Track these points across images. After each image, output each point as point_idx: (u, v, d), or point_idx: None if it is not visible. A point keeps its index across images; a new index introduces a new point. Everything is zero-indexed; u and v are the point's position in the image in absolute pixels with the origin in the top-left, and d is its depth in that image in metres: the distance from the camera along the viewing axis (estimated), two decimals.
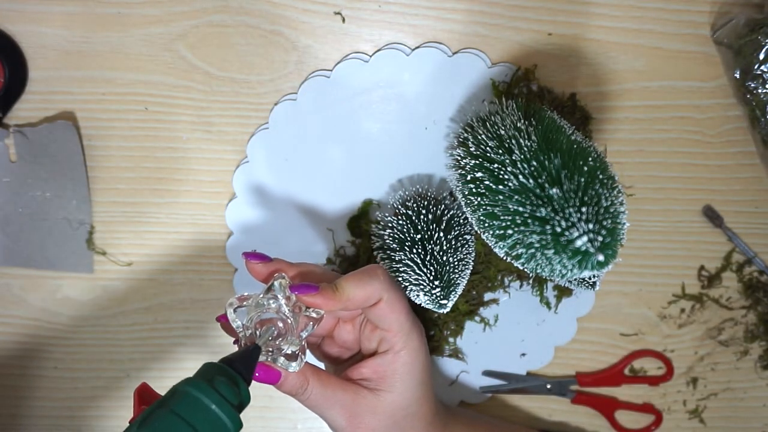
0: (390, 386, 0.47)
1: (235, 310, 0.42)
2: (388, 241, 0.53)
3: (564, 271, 0.41)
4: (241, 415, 0.37)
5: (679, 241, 0.60)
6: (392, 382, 0.47)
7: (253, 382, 0.40)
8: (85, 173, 0.57)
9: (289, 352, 0.42)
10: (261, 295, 0.42)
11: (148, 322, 0.60)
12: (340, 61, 0.56)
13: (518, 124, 0.44)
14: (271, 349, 0.41)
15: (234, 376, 0.38)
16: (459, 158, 0.47)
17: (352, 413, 0.46)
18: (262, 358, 0.41)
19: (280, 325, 0.42)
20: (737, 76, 0.55)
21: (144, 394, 0.38)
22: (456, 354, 0.60)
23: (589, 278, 0.53)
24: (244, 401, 0.38)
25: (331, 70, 0.56)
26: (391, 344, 0.47)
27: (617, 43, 0.57)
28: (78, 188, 0.57)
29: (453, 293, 0.51)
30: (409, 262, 0.51)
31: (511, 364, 0.61)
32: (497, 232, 0.43)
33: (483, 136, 0.45)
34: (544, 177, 0.41)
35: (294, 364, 0.42)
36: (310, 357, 0.48)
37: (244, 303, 0.42)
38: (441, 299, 0.51)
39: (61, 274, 0.59)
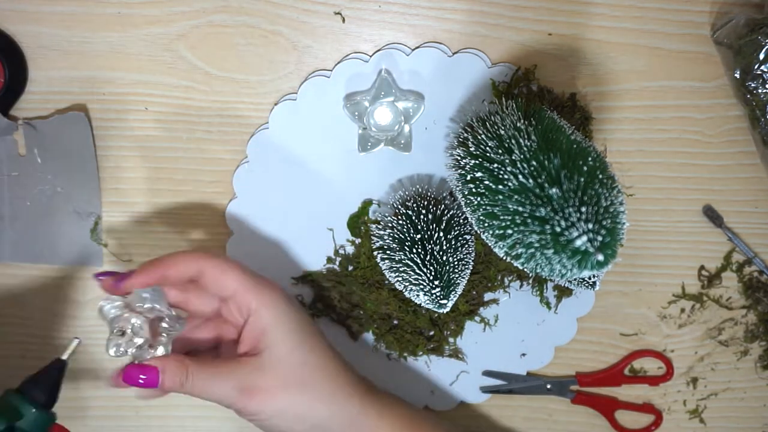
0: (265, 343, 0.47)
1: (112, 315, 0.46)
2: (388, 241, 0.53)
3: (564, 271, 0.41)
4: None
5: (679, 241, 0.60)
6: (265, 338, 0.47)
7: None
8: (96, 165, 0.57)
9: (158, 354, 0.45)
10: (116, 310, 0.46)
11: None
12: (340, 61, 0.56)
13: (518, 124, 0.44)
14: (134, 352, 0.45)
15: (11, 402, 0.39)
16: (459, 158, 0.47)
17: (241, 384, 0.47)
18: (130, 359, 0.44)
19: (142, 332, 0.45)
20: (737, 76, 0.55)
21: None
22: (456, 354, 0.60)
23: (589, 278, 0.53)
24: (26, 426, 0.39)
25: (331, 70, 0.56)
26: (247, 307, 0.48)
27: (617, 43, 0.57)
28: (89, 181, 0.57)
29: (453, 293, 0.51)
30: (409, 262, 0.51)
31: (511, 364, 0.61)
32: (497, 231, 0.43)
33: (483, 136, 0.45)
34: (543, 177, 0.41)
35: (161, 348, 0.45)
36: None
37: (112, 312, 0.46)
38: (441, 299, 0.51)
39: (61, 274, 0.59)
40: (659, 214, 0.60)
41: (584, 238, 0.39)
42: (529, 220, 0.41)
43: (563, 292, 0.59)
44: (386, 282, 0.57)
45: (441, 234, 0.51)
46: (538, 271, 0.43)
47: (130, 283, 0.46)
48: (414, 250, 0.51)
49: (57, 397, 0.41)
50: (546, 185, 0.41)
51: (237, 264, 0.49)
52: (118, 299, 0.47)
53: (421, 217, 0.52)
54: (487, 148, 0.44)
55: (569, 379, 0.62)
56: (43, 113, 0.57)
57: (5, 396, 0.39)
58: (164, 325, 0.47)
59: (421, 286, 0.51)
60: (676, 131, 0.58)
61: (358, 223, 0.58)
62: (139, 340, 0.45)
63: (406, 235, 0.51)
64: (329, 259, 0.59)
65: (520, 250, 0.42)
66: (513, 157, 0.42)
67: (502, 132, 0.45)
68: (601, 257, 0.39)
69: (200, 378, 0.46)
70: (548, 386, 0.61)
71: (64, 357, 0.42)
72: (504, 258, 0.44)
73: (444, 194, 0.56)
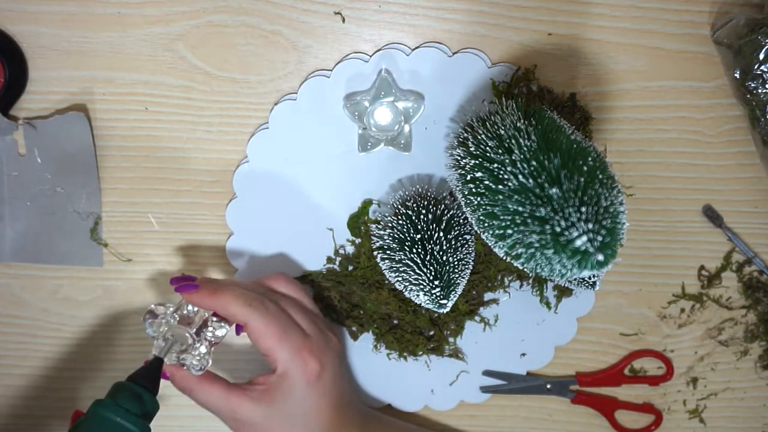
0: (269, 402, 0.50)
1: (150, 321, 0.50)
2: (388, 241, 0.53)
3: (564, 271, 0.41)
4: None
5: (679, 241, 0.60)
6: (271, 399, 0.50)
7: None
8: (96, 165, 0.57)
9: (194, 362, 0.49)
10: (171, 314, 0.50)
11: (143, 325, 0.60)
12: (340, 61, 0.56)
13: (518, 124, 0.44)
14: (179, 356, 0.49)
15: (136, 389, 0.45)
16: (459, 158, 0.47)
17: (235, 415, 0.50)
18: (173, 360, 0.49)
19: (187, 335, 0.49)
20: (737, 76, 0.55)
21: (75, 419, 0.45)
22: (456, 354, 0.60)
23: (589, 278, 0.53)
24: (149, 410, 0.45)
25: (331, 70, 0.56)
26: (273, 366, 0.51)
27: (617, 43, 0.57)
28: (89, 180, 0.57)
29: (453, 293, 0.51)
30: (409, 262, 0.51)
31: (511, 364, 0.61)
32: (497, 232, 0.43)
33: (483, 136, 0.45)
34: (543, 177, 0.41)
35: (198, 368, 0.50)
36: None
37: (156, 318, 0.50)
38: (441, 299, 0.51)
39: (62, 274, 0.59)
40: (659, 214, 0.60)
41: (584, 238, 0.39)
42: (529, 220, 0.41)
43: (563, 292, 0.59)
44: (386, 282, 0.57)
45: (441, 234, 0.51)
46: (538, 271, 0.43)
47: (189, 298, 0.50)
48: (414, 250, 0.51)
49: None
50: (546, 185, 0.41)
51: (271, 327, 0.50)
52: (171, 305, 0.51)
53: (421, 217, 0.52)
54: (487, 148, 0.44)
55: (569, 379, 0.62)
56: (43, 113, 0.57)
57: (129, 386, 0.45)
58: (209, 332, 0.50)
59: (421, 286, 0.51)
60: (676, 131, 0.58)
61: (358, 223, 0.58)
62: (182, 347, 0.49)
63: (406, 235, 0.51)
64: (329, 259, 0.59)
65: (520, 250, 0.42)
66: (513, 157, 0.42)
67: (502, 132, 0.45)
68: (601, 257, 0.39)
69: (202, 399, 0.51)
70: (548, 386, 0.61)
71: (162, 356, 0.48)
72: (504, 258, 0.44)
73: (444, 194, 0.56)
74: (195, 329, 0.49)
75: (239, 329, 0.52)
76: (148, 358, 0.48)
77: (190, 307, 0.51)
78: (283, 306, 0.52)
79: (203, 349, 0.50)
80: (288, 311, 0.52)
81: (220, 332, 0.51)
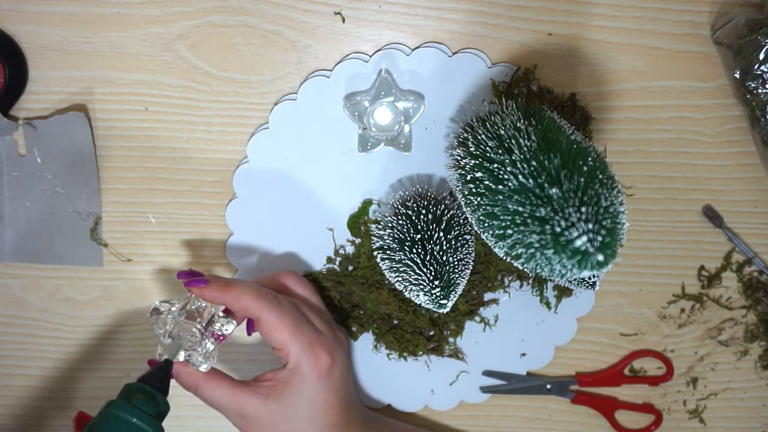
0: (276, 397, 0.50)
1: (155, 318, 0.49)
2: (388, 241, 0.53)
3: (564, 271, 0.41)
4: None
5: (679, 241, 0.60)
6: (279, 394, 0.50)
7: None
8: (96, 165, 0.57)
9: (200, 359, 0.49)
10: (177, 311, 0.49)
11: (148, 322, 0.60)
12: (340, 61, 0.56)
13: (518, 124, 0.44)
14: (186, 353, 0.49)
15: (150, 390, 0.44)
16: (459, 158, 0.47)
17: (241, 416, 0.50)
18: (181, 357, 0.48)
19: (195, 330, 0.48)
20: (737, 76, 0.55)
21: (82, 421, 0.44)
22: (456, 354, 0.60)
23: (589, 278, 0.53)
24: (162, 410, 0.45)
25: (331, 70, 0.56)
26: (285, 360, 0.50)
27: (617, 43, 0.57)
28: (88, 180, 0.57)
29: (453, 293, 0.51)
30: (409, 262, 0.51)
31: (511, 364, 0.61)
32: (497, 232, 0.43)
33: (483, 136, 0.45)
34: (543, 177, 0.41)
35: (204, 365, 0.49)
36: None
37: (161, 315, 0.49)
38: (441, 299, 0.51)
39: (62, 274, 0.59)
40: (659, 214, 0.60)
41: (584, 238, 0.39)
42: (529, 221, 0.41)
43: (563, 292, 0.59)
44: (386, 282, 0.57)
45: (441, 234, 0.51)
46: (538, 271, 0.43)
47: (200, 293, 0.49)
48: (414, 250, 0.51)
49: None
50: (546, 185, 0.41)
51: (285, 321, 0.49)
52: (175, 302, 0.50)
53: (421, 217, 0.52)
54: (487, 148, 0.44)
55: (569, 379, 0.62)
56: (43, 113, 0.57)
57: (143, 387, 0.45)
58: (216, 326, 0.50)
59: (421, 286, 0.51)
60: (675, 131, 0.58)
61: (358, 223, 0.58)
62: (188, 344, 0.49)
63: (406, 235, 0.51)
64: (329, 259, 0.59)
65: (520, 250, 0.42)
66: (513, 157, 0.42)
67: (502, 132, 0.45)
68: (601, 257, 0.39)
69: (207, 397, 0.50)
70: (548, 386, 0.61)
71: (170, 356, 0.48)
72: (504, 258, 0.44)
73: (444, 194, 0.56)
74: (203, 324, 0.49)
75: (250, 328, 0.52)
76: (157, 359, 0.48)
77: (198, 303, 0.50)
78: (294, 302, 0.52)
79: (210, 346, 0.49)
80: (299, 307, 0.52)
81: (228, 327, 0.50)
